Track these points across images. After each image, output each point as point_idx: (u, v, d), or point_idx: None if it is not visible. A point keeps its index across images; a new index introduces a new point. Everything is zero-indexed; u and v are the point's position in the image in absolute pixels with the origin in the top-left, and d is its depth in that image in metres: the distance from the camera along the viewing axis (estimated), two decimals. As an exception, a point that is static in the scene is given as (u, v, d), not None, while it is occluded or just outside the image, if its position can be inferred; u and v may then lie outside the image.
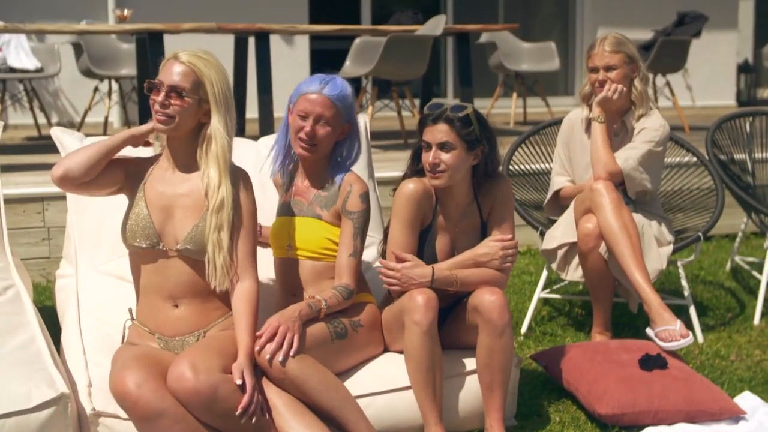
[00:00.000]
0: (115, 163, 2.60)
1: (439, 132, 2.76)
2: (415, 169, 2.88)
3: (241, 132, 6.17)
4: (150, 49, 5.25)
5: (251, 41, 5.90)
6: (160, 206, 2.56)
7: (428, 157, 2.77)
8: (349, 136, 2.86)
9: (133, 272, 2.66)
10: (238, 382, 2.35)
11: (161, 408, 2.30)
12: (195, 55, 2.53)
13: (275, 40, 6.24)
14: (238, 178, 2.59)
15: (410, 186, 2.81)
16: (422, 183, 2.83)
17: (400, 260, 2.77)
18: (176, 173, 2.60)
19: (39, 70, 7.23)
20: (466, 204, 2.89)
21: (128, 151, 2.66)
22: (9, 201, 4.08)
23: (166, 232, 2.56)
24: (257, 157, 3.43)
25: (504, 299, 2.70)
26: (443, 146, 2.75)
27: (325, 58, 8.29)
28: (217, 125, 2.52)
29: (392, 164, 4.98)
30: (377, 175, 3.58)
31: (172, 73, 2.50)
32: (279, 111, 5.68)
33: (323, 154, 2.81)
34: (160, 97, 2.49)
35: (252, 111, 5.88)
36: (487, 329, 2.68)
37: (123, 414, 2.40)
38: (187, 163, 2.59)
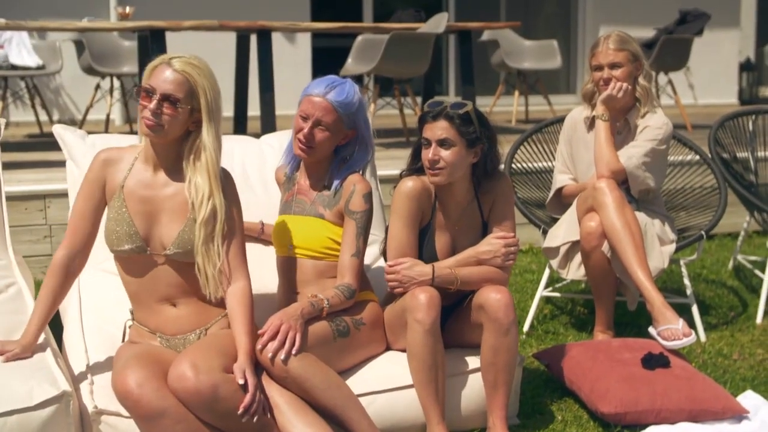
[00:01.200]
0: (88, 220, 2.57)
1: (439, 129, 2.74)
2: (415, 167, 2.87)
3: (243, 130, 6.18)
4: (152, 47, 5.24)
5: (253, 39, 5.89)
6: (142, 211, 2.50)
7: (428, 154, 2.76)
8: (352, 143, 2.84)
9: (122, 277, 2.60)
10: (240, 381, 2.33)
11: (162, 407, 2.29)
12: (188, 63, 2.43)
13: (277, 38, 6.22)
14: (224, 182, 2.52)
15: (409, 184, 2.80)
16: (421, 181, 2.82)
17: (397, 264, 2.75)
18: (159, 175, 2.52)
19: (41, 68, 7.22)
20: (466, 202, 2.88)
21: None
22: (11, 198, 4.08)
23: (152, 237, 2.51)
24: (259, 154, 3.43)
25: (510, 298, 2.69)
26: (443, 143, 2.74)
27: (327, 56, 8.27)
28: (206, 137, 2.44)
29: (394, 162, 4.97)
30: (379, 173, 3.57)
31: (164, 80, 2.41)
32: (281, 109, 5.72)
33: (322, 157, 2.79)
34: (153, 105, 2.40)
35: (254, 109, 5.87)
36: (493, 328, 2.68)
37: (125, 412, 2.39)
38: (171, 166, 2.51)
